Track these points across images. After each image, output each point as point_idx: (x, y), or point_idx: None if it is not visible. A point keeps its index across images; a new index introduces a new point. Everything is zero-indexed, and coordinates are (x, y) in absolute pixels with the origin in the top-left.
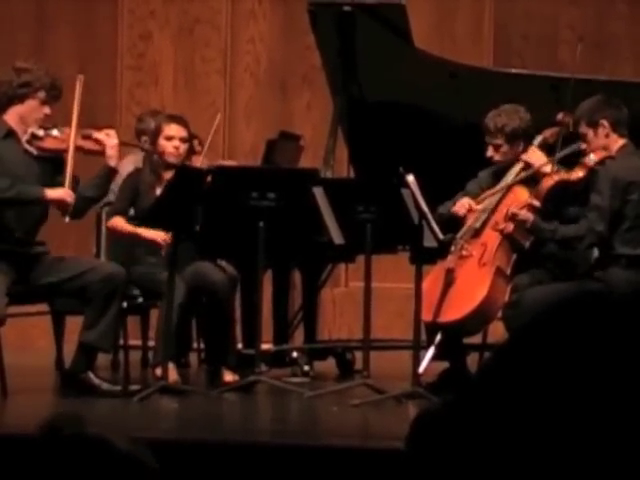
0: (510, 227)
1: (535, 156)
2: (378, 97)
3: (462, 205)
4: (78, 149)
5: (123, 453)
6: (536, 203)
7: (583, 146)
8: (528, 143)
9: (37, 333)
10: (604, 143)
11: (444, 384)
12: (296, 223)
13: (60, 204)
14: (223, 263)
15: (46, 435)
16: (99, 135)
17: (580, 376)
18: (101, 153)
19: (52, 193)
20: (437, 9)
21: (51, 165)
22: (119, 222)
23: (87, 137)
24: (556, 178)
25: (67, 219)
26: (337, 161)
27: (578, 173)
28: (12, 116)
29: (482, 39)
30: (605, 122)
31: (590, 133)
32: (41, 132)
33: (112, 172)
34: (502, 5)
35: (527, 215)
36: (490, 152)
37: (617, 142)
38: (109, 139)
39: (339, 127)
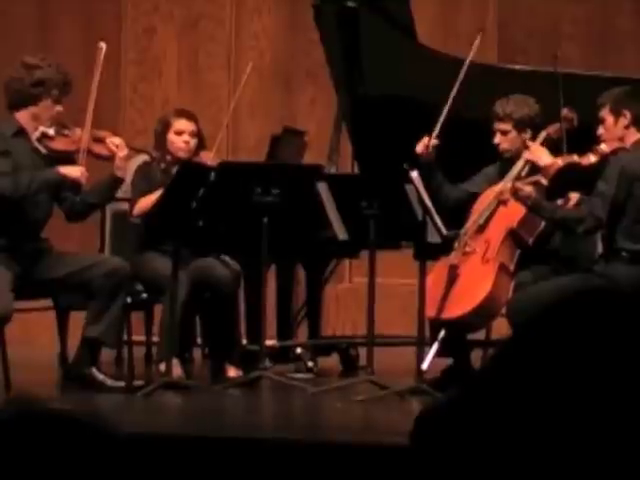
0: (512, 199)
1: (538, 153)
2: (382, 92)
3: (422, 143)
4: (88, 152)
5: (85, 424)
6: (543, 181)
7: (600, 131)
8: (535, 134)
9: (41, 329)
10: (621, 134)
11: (448, 380)
12: (300, 219)
13: (74, 183)
14: (227, 259)
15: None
16: (110, 144)
17: (584, 372)
18: (110, 158)
19: (67, 171)
20: (441, 5)
21: (59, 165)
22: (142, 202)
23: (98, 140)
24: (566, 160)
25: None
26: (341, 157)
27: (590, 158)
28: (24, 115)
29: (486, 35)
30: (628, 113)
31: (610, 120)
32: (52, 131)
33: (118, 182)
34: (505, 1)
35: (530, 190)
36: (497, 139)
37: (634, 136)
38: (119, 151)
39: (343, 122)
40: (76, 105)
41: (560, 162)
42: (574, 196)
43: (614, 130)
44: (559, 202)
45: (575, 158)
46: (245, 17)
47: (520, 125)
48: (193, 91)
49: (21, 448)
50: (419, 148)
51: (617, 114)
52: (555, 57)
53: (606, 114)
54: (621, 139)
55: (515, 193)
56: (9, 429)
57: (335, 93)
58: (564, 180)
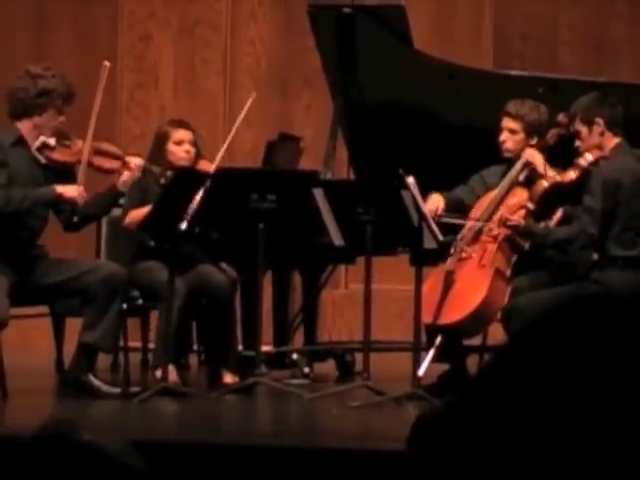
0: (503, 232)
1: (538, 157)
2: (378, 98)
3: (430, 210)
4: (88, 165)
5: (113, 458)
6: (530, 206)
7: (577, 143)
8: (540, 142)
9: (37, 335)
10: (598, 142)
11: (444, 386)
12: (296, 225)
13: (71, 202)
14: (223, 265)
15: (39, 439)
16: (129, 160)
17: (579, 378)
18: (110, 172)
19: (65, 190)
20: (436, 10)
21: (58, 176)
22: (133, 213)
23: (100, 153)
24: (550, 181)
25: (71, 222)
26: (337, 162)
27: (571, 175)
28: (27, 125)
29: (482, 40)
30: (600, 120)
31: (584, 131)
32: (53, 142)
33: (119, 196)
34: (501, 6)
35: (519, 220)
36: (504, 136)
37: (611, 141)
38: (133, 170)
39: (339, 128)
40: (72, 112)
41: (545, 184)
42: (557, 215)
43: (590, 140)
44: (543, 224)
45: (557, 177)
46: (241, 23)
47: (530, 129)
48: (189, 97)
49: (44, 472)
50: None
51: (589, 123)
52: None
53: (579, 125)
54: (599, 147)
55: (504, 224)
56: (36, 451)
57: (331, 99)
58: (549, 199)
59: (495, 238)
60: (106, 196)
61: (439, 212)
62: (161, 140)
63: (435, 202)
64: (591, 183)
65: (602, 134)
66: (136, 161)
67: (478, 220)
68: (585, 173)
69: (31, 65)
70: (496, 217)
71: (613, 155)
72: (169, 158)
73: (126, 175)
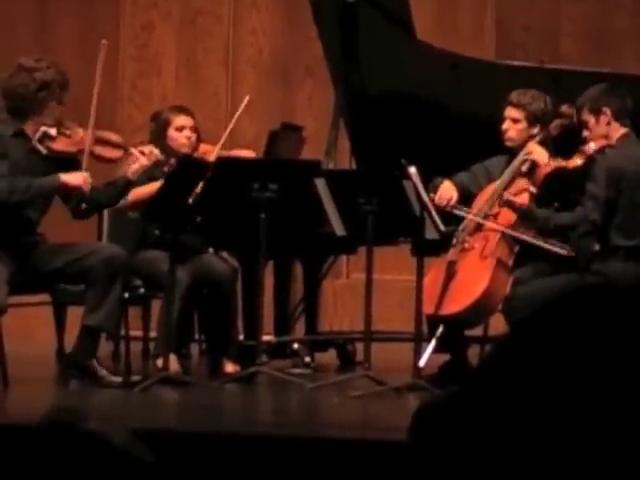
0: (503, 212)
1: (537, 151)
2: (380, 88)
3: (443, 198)
4: (90, 154)
5: (118, 448)
6: (532, 189)
7: (585, 133)
8: (543, 131)
9: (38, 323)
10: (605, 131)
11: (445, 376)
12: (298, 214)
13: (76, 190)
14: (224, 254)
15: (43, 428)
16: (144, 149)
17: (581, 369)
18: (110, 161)
19: (69, 178)
20: (439, 1)
21: (59, 166)
22: (135, 191)
23: (102, 142)
24: (554, 165)
25: (75, 212)
26: (339, 152)
27: (576, 161)
28: (32, 125)
29: (484, 31)
30: (607, 110)
31: (592, 120)
32: (53, 131)
33: (130, 184)
34: None
35: (521, 201)
36: (506, 124)
37: (618, 131)
38: (145, 158)
39: (341, 118)
40: (74, 103)
41: (549, 169)
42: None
43: (597, 129)
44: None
45: (562, 162)
46: (243, 13)
47: (532, 118)
48: (191, 87)
49: (47, 461)
50: (441, 201)
51: (597, 113)
52: (542, 62)
53: (586, 115)
54: (606, 136)
55: (506, 204)
56: (40, 440)
57: (333, 89)
58: (552, 185)
59: (494, 217)
60: (117, 185)
61: (452, 202)
62: (162, 126)
63: (449, 191)
64: (595, 170)
65: (609, 124)
66: (148, 150)
67: (479, 214)
68: (590, 161)
69: (23, 59)
70: (503, 193)
71: (619, 145)
72: (170, 144)
73: (138, 164)
